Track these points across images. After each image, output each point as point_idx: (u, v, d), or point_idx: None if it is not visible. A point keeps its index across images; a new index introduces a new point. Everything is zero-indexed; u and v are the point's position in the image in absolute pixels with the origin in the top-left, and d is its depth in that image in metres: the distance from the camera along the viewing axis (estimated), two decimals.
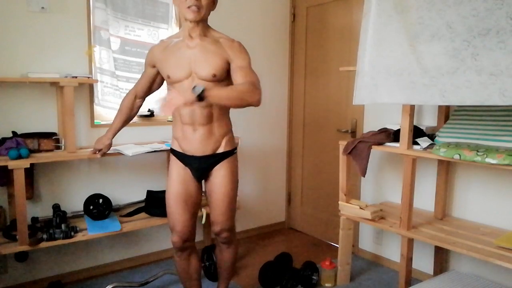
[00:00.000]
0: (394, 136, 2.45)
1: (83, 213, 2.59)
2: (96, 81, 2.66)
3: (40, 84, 2.50)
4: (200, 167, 2.03)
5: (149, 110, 2.97)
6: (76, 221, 2.56)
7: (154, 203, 2.73)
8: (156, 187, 2.99)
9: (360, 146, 2.48)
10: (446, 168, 2.53)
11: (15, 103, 2.45)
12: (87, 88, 2.68)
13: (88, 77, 2.56)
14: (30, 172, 2.43)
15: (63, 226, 2.35)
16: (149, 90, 2.21)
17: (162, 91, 2.66)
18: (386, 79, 2.18)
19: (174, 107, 1.75)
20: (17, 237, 2.22)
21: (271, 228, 3.78)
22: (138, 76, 2.88)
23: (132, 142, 2.82)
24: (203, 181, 2.12)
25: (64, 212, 2.46)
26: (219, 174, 2.04)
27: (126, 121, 2.29)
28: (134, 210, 2.75)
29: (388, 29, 2.15)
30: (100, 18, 2.66)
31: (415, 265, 2.69)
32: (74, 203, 2.69)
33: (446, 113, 2.51)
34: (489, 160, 1.91)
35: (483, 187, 2.46)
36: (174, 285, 2.69)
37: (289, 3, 3.61)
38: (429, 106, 2.67)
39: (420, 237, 2.26)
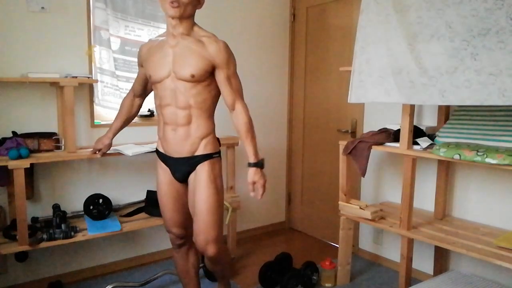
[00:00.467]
0: (394, 136, 2.45)
1: (83, 213, 2.59)
2: (96, 81, 2.66)
3: (40, 84, 2.50)
4: (178, 169, 1.97)
5: (149, 110, 2.97)
6: (76, 221, 2.56)
7: (154, 203, 2.71)
8: (156, 187, 2.99)
9: (360, 146, 2.48)
10: (446, 168, 2.53)
11: (15, 103, 2.45)
12: (87, 88, 2.68)
13: (88, 77, 2.56)
14: (30, 172, 2.43)
15: (63, 226, 2.35)
16: (145, 89, 2.19)
17: None
18: (384, 78, 2.17)
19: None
20: (17, 237, 2.22)
21: (271, 228, 3.78)
22: None
23: (132, 142, 2.82)
24: None
25: (64, 212, 2.46)
26: (197, 178, 1.93)
27: (126, 121, 2.28)
28: (134, 210, 2.75)
29: (386, 27, 2.15)
30: (100, 18, 2.67)
31: (415, 265, 2.69)
32: (74, 203, 2.69)
33: (446, 113, 2.51)
34: (489, 160, 1.91)
35: (483, 187, 2.46)
36: (174, 285, 2.69)
37: (289, 3, 3.61)
38: (429, 106, 2.67)
39: (420, 237, 2.26)
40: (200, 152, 1.94)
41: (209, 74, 1.88)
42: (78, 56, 2.61)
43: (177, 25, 1.84)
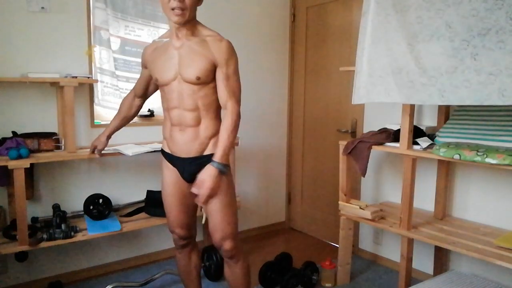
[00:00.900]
0: (394, 136, 2.45)
1: (83, 213, 2.59)
2: (96, 81, 2.66)
3: (40, 84, 2.50)
4: (186, 169, 1.94)
5: (149, 110, 2.97)
6: (76, 221, 2.56)
7: (154, 203, 2.73)
8: (156, 187, 2.99)
9: (360, 146, 2.48)
10: (446, 168, 2.53)
11: (15, 103, 2.45)
12: (87, 88, 2.68)
13: (88, 77, 2.55)
14: (30, 172, 2.43)
15: (63, 226, 2.35)
16: (146, 91, 2.17)
17: None
18: (384, 78, 2.17)
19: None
20: (17, 237, 2.22)
21: (271, 228, 3.78)
22: (138, 76, 2.90)
23: (132, 142, 2.82)
24: None
25: (64, 212, 2.46)
26: None
27: (124, 121, 2.25)
28: (134, 210, 2.75)
29: (386, 27, 2.14)
30: (100, 18, 2.67)
31: (415, 265, 2.69)
32: (74, 203, 2.69)
33: (446, 113, 2.51)
34: (489, 160, 1.91)
35: (483, 187, 2.46)
36: (174, 285, 2.69)
37: (289, 3, 3.61)
38: (429, 106, 2.67)
39: (420, 237, 2.26)
40: (209, 151, 1.91)
41: (214, 75, 1.85)
42: (78, 56, 2.62)
43: (180, 27, 1.81)
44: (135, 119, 2.93)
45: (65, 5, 2.54)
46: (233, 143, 1.88)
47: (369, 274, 2.90)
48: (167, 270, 2.75)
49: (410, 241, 2.34)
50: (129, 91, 2.24)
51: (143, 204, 2.84)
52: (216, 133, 1.92)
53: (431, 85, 1.97)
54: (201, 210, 2.60)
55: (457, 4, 1.86)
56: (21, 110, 2.47)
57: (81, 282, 2.73)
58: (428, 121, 2.69)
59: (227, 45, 1.84)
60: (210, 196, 1.83)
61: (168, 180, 2.01)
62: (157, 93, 2.71)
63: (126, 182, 2.90)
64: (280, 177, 3.80)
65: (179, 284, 2.68)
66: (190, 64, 1.81)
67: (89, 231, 2.41)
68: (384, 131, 2.55)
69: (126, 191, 2.90)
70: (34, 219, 2.51)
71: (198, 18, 1.87)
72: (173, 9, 1.73)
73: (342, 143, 2.57)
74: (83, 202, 2.57)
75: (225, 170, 1.84)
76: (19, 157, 2.18)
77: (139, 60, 2.87)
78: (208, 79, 1.84)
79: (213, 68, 1.84)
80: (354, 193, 3.11)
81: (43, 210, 2.59)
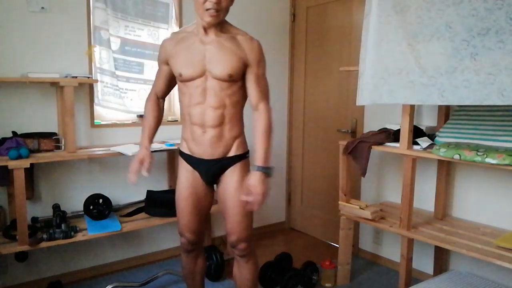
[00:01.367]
0: (394, 136, 2.45)
1: (83, 213, 2.59)
2: (96, 81, 2.66)
3: (40, 84, 2.50)
4: (209, 171, 1.90)
5: None
6: (76, 221, 2.56)
7: (154, 203, 2.73)
8: (156, 187, 2.99)
9: (360, 146, 2.48)
10: (446, 168, 2.53)
11: (15, 103, 2.45)
12: (87, 88, 2.68)
13: (88, 77, 2.56)
14: (30, 172, 2.43)
15: (63, 226, 2.36)
16: (169, 89, 2.01)
17: None
18: (386, 80, 2.17)
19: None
20: (17, 237, 2.22)
21: (271, 228, 3.78)
22: (138, 76, 2.91)
23: (132, 142, 2.82)
24: (214, 185, 1.99)
25: (64, 212, 2.46)
26: (232, 179, 1.88)
27: (157, 124, 2.03)
28: (134, 210, 2.75)
29: (387, 28, 2.15)
30: (100, 18, 2.67)
31: (415, 265, 2.69)
32: (74, 203, 2.69)
33: (446, 113, 2.51)
34: (489, 160, 1.91)
35: (483, 187, 2.46)
36: (174, 285, 2.69)
37: (289, 3, 3.61)
38: (429, 106, 2.67)
39: (420, 237, 2.26)
40: (233, 153, 1.88)
41: (243, 74, 1.83)
42: (78, 56, 2.61)
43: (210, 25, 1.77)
44: (135, 119, 2.95)
45: (65, 5, 2.54)
46: (271, 144, 1.85)
47: (369, 274, 2.90)
48: (167, 270, 2.75)
49: (410, 241, 2.34)
50: (148, 95, 2.03)
51: (143, 204, 2.84)
52: (239, 135, 1.90)
53: (431, 85, 1.97)
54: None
55: (457, 4, 1.86)
56: (21, 110, 2.47)
57: (81, 282, 2.73)
58: (428, 121, 2.69)
59: (259, 46, 1.85)
60: (263, 201, 1.76)
61: (185, 183, 1.93)
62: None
63: (126, 182, 2.90)
64: (280, 177, 3.80)
65: (179, 284, 2.68)
66: (222, 61, 1.76)
67: (89, 231, 2.41)
68: (384, 131, 2.55)
69: (126, 191, 2.90)
70: (34, 219, 2.51)
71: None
72: (207, 9, 1.69)
73: (342, 143, 2.57)
74: (83, 202, 2.57)
75: (270, 173, 1.80)
76: (19, 157, 2.18)
77: (139, 60, 2.90)
78: (238, 78, 1.82)
79: (244, 67, 1.81)
80: (354, 193, 3.10)
81: (43, 210, 2.59)
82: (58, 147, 2.45)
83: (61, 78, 2.39)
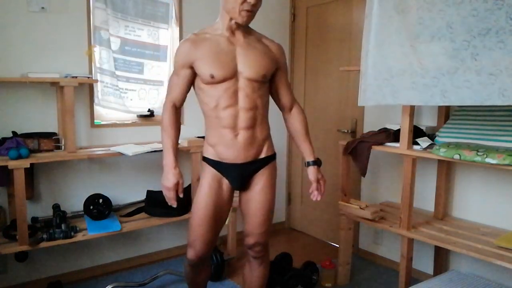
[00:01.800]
0: (394, 136, 2.45)
1: (83, 213, 2.59)
2: (96, 81, 2.66)
3: (40, 84, 2.50)
4: (241, 175, 1.83)
5: (149, 110, 2.97)
6: (76, 221, 2.56)
7: (154, 203, 2.73)
8: (156, 187, 2.99)
9: (360, 146, 2.48)
10: (446, 168, 2.53)
11: (15, 103, 2.45)
12: (87, 88, 2.68)
13: (88, 77, 2.56)
14: (30, 172, 2.43)
15: (63, 226, 2.36)
16: (186, 95, 1.86)
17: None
18: (388, 80, 2.17)
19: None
20: (17, 237, 2.22)
21: (271, 228, 3.77)
22: (138, 76, 2.91)
23: (132, 142, 2.82)
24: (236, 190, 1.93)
25: (64, 212, 2.46)
26: (261, 181, 1.85)
27: (178, 138, 1.87)
28: (134, 210, 2.75)
29: (389, 29, 2.14)
30: (100, 18, 2.67)
31: (415, 265, 2.69)
32: (74, 203, 2.69)
33: (446, 113, 2.51)
34: (489, 160, 1.91)
35: (483, 187, 2.46)
36: (174, 285, 2.69)
37: (289, 3, 3.61)
38: (429, 106, 2.67)
39: (420, 237, 2.26)
40: (264, 154, 1.86)
41: (272, 75, 1.85)
42: (78, 56, 2.61)
43: (238, 25, 1.76)
44: (135, 118, 2.95)
45: (65, 5, 2.54)
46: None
47: (369, 274, 2.91)
48: (167, 270, 2.75)
49: (410, 241, 2.34)
50: (165, 107, 1.84)
51: (143, 204, 2.84)
52: (269, 135, 1.91)
53: (433, 85, 1.97)
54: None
55: (457, 5, 1.86)
56: (21, 110, 2.47)
57: (81, 282, 2.72)
58: (428, 121, 2.69)
59: (283, 50, 1.91)
60: (324, 189, 1.96)
61: (208, 191, 1.81)
62: (155, 94, 2.71)
63: (126, 182, 2.90)
64: (280, 177, 3.79)
65: (179, 284, 2.68)
66: (255, 62, 1.74)
67: (89, 231, 2.41)
68: (384, 131, 2.55)
69: (126, 191, 2.90)
70: (34, 219, 2.51)
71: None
72: (244, 10, 1.67)
73: (342, 143, 2.58)
74: (83, 202, 2.57)
75: (321, 164, 1.97)
76: (19, 157, 2.18)
77: (139, 60, 2.89)
78: (268, 79, 1.83)
79: (274, 69, 1.84)
80: (354, 193, 3.11)
81: (43, 210, 2.59)
82: (58, 147, 2.45)
83: (61, 78, 2.39)
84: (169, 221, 2.70)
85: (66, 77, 2.45)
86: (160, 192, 2.80)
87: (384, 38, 2.17)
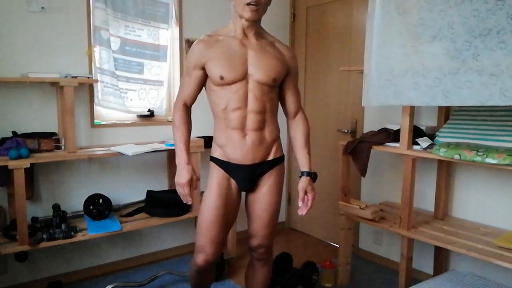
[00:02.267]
0: (394, 136, 2.45)
1: (83, 213, 2.58)
2: (96, 81, 2.66)
3: (40, 84, 2.50)
4: (249, 176, 1.82)
5: (149, 110, 2.97)
6: (76, 221, 2.56)
7: (154, 203, 2.73)
8: (156, 187, 2.99)
9: (360, 146, 2.48)
10: (446, 168, 2.53)
11: (15, 103, 2.45)
12: (87, 88, 2.68)
13: (88, 77, 2.55)
14: (30, 172, 2.43)
15: (63, 226, 2.36)
16: (197, 95, 1.88)
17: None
18: (390, 81, 2.17)
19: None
20: (17, 237, 2.22)
21: (275, 230, 3.77)
22: (138, 76, 2.91)
23: (132, 142, 2.82)
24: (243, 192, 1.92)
25: (64, 212, 2.46)
26: (267, 183, 1.85)
27: (189, 137, 1.87)
28: (134, 210, 2.75)
29: (390, 30, 2.15)
30: (100, 18, 2.66)
31: (415, 265, 2.70)
32: (74, 203, 2.69)
33: (446, 113, 2.51)
34: (489, 160, 1.91)
35: (483, 187, 2.46)
36: (174, 285, 2.69)
37: (289, 3, 3.61)
38: (429, 106, 2.67)
39: (420, 237, 2.26)
40: (272, 156, 1.85)
41: (282, 80, 1.84)
42: (78, 56, 2.61)
43: (250, 26, 1.75)
44: (135, 118, 2.95)
45: (65, 5, 2.54)
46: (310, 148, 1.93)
47: (369, 274, 2.91)
48: (167, 270, 2.75)
49: (410, 241, 2.34)
50: (175, 106, 1.87)
51: (143, 204, 2.84)
52: (277, 138, 1.89)
53: (435, 86, 1.98)
54: None
55: (458, 5, 1.86)
56: (21, 110, 2.47)
57: (81, 282, 2.72)
58: (428, 121, 2.69)
59: (296, 55, 1.89)
60: (312, 205, 1.83)
61: (217, 191, 1.80)
62: (155, 93, 2.71)
63: (126, 182, 2.90)
64: None
65: (179, 284, 2.68)
66: (266, 65, 1.74)
67: (89, 231, 2.41)
68: (384, 131, 2.55)
69: (126, 191, 2.90)
70: (34, 219, 2.51)
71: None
72: (248, 4, 1.67)
73: (342, 143, 2.58)
74: (83, 202, 2.56)
75: (315, 178, 1.87)
76: (19, 157, 2.18)
77: (139, 60, 2.89)
78: (279, 83, 1.82)
79: (285, 73, 1.82)
80: (354, 193, 3.11)
81: (43, 210, 2.59)
82: (58, 147, 2.44)
83: (61, 78, 2.39)
84: (169, 221, 2.70)
85: (66, 77, 2.45)
86: (160, 192, 2.83)
87: (385, 39, 2.17)
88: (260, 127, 1.79)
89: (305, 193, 1.81)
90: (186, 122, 1.85)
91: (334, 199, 3.23)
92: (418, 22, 2.03)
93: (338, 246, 2.72)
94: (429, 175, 2.70)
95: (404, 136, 2.30)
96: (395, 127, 2.55)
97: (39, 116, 2.52)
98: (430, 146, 2.28)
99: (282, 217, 3.86)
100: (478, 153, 1.95)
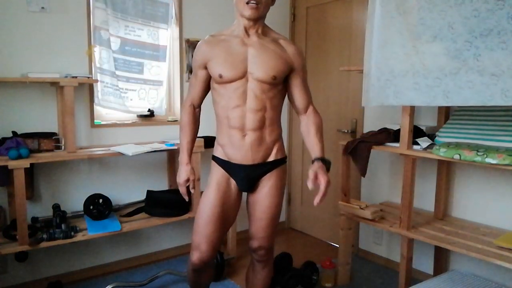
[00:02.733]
0: (394, 136, 2.45)
1: (83, 213, 2.58)
2: (96, 81, 2.66)
3: (40, 84, 2.50)
4: (248, 177, 1.82)
5: (149, 110, 2.97)
6: (76, 221, 2.56)
7: (154, 203, 2.73)
8: (156, 187, 2.99)
9: (360, 146, 2.48)
10: (446, 168, 2.53)
11: (15, 103, 2.45)
12: (87, 88, 2.68)
13: (88, 77, 2.55)
14: (30, 172, 2.43)
15: (63, 226, 2.35)
16: (205, 95, 1.91)
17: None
18: (391, 81, 2.17)
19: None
20: (17, 237, 2.21)
21: (276, 232, 3.77)
22: (138, 76, 2.91)
23: (132, 142, 2.82)
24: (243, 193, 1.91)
25: (64, 212, 2.46)
26: (267, 184, 1.83)
27: (195, 138, 1.94)
28: (134, 210, 2.75)
29: (391, 30, 2.15)
30: (100, 18, 2.66)
31: (415, 265, 2.70)
32: (74, 203, 2.68)
33: (446, 113, 2.52)
34: (489, 160, 1.91)
35: (483, 187, 2.46)
36: (174, 285, 2.69)
37: (289, 3, 3.61)
38: (429, 106, 2.67)
39: (420, 237, 2.26)
40: (272, 157, 1.83)
41: (285, 77, 1.81)
42: (78, 56, 2.61)
43: (252, 24, 1.75)
44: (135, 118, 2.95)
45: (65, 5, 2.54)
46: (323, 139, 1.87)
47: (369, 274, 2.91)
48: (167, 270, 2.75)
49: (410, 241, 2.34)
50: (183, 106, 1.92)
51: (143, 204, 2.83)
52: (279, 139, 1.87)
53: (436, 86, 1.98)
54: None
55: (458, 5, 1.86)
56: (21, 110, 2.47)
57: (81, 282, 2.72)
58: (428, 121, 2.69)
59: (302, 50, 1.86)
60: (327, 192, 1.67)
61: (216, 190, 1.81)
62: (155, 93, 2.71)
63: (126, 182, 2.90)
64: None
65: (179, 284, 2.68)
66: (266, 63, 1.73)
67: (89, 231, 2.40)
68: (384, 131, 2.55)
69: (126, 191, 2.90)
70: (34, 219, 2.51)
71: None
72: (247, 2, 1.67)
73: (342, 143, 2.58)
74: (83, 202, 2.56)
75: (329, 166, 1.77)
76: (19, 157, 2.18)
77: (139, 60, 2.89)
78: (280, 81, 1.79)
79: (288, 71, 1.80)
80: (354, 193, 3.11)
81: (43, 210, 2.58)
82: (58, 147, 2.44)
83: (61, 78, 2.39)
84: (169, 221, 2.70)
85: (66, 77, 2.45)
86: (160, 192, 2.83)
87: (386, 39, 2.17)
88: (260, 127, 1.77)
89: (316, 177, 1.67)
90: (192, 123, 1.89)
91: (334, 199, 3.23)
92: (418, 22, 2.03)
93: (338, 246, 2.72)
94: (429, 175, 2.70)
95: (404, 136, 2.30)
96: (395, 127, 2.55)
97: (39, 116, 2.52)
98: (430, 146, 2.28)
99: (282, 217, 3.86)
100: (478, 153, 1.95)
